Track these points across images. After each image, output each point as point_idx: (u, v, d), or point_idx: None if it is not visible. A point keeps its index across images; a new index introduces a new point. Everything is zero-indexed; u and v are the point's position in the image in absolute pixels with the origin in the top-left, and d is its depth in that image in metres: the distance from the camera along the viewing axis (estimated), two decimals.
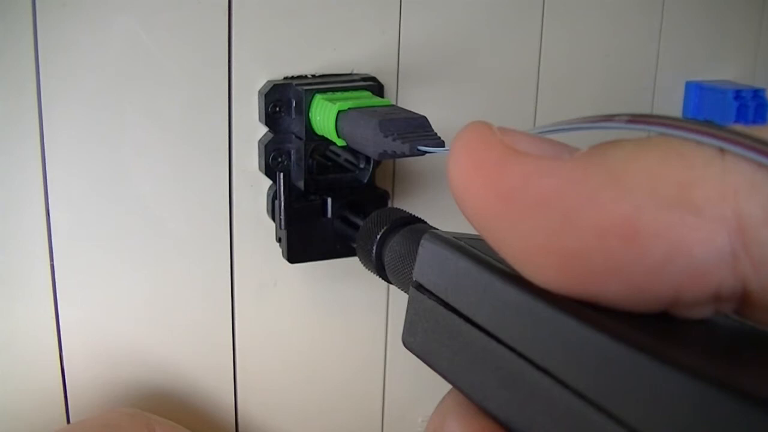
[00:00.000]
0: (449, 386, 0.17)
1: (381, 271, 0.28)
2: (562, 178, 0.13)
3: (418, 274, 0.17)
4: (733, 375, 0.12)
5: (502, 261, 0.15)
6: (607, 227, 0.13)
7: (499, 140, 0.14)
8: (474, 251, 0.16)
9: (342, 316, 0.42)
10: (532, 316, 0.14)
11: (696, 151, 0.13)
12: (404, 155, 0.29)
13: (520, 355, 0.14)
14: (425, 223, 0.28)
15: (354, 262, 0.34)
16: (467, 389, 0.15)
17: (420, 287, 0.17)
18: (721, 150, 0.13)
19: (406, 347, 0.18)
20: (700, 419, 0.11)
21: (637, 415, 0.12)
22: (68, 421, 0.37)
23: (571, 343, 0.13)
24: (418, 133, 0.30)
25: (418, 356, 0.17)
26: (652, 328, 0.13)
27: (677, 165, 0.13)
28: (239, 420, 0.41)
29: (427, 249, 0.17)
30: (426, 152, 0.28)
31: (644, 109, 0.47)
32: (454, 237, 0.17)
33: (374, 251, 0.28)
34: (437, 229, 0.26)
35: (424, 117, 0.30)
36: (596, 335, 0.13)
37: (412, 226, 0.27)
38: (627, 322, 0.13)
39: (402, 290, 0.26)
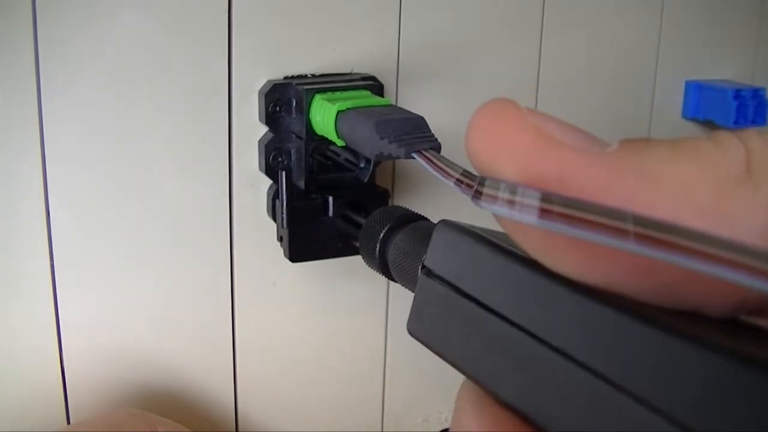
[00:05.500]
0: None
1: (384, 268, 0.28)
2: (600, 176, 0.13)
3: (429, 260, 0.17)
4: (752, 349, 0.12)
5: (517, 248, 0.15)
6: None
7: (530, 124, 0.14)
8: (489, 238, 0.16)
9: (342, 315, 0.42)
10: (549, 299, 0.14)
11: (725, 163, 0.13)
12: (399, 158, 0.29)
13: (536, 337, 0.14)
14: (427, 220, 0.28)
15: (354, 261, 0.34)
16: (478, 376, 0.15)
17: (430, 273, 0.17)
18: (749, 165, 0.13)
19: (411, 335, 0.18)
20: (718, 393, 0.11)
21: (661, 395, 0.12)
22: (68, 421, 0.37)
23: (590, 324, 0.13)
24: (414, 134, 0.29)
25: (424, 344, 0.17)
26: (674, 312, 0.13)
27: (711, 176, 0.13)
28: (239, 419, 0.41)
29: (441, 235, 0.17)
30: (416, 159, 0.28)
31: (644, 110, 0.47)
32: (469, 226, 0.17)
33: (377, 249, 0.28)
34: None
35: (422, 117, 0.30)
36: (617, 316, 0.13)
37: (415, 223, 0.27)
38: (648, 305, 0.13)
39: (406, 287, 0.26)
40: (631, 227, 0.12)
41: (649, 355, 0.12)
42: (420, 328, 0.17)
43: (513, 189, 0.13)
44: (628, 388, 0.12)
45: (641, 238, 0.12)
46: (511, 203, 0.13)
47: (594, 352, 0.13)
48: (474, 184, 0.15)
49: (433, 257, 0.17)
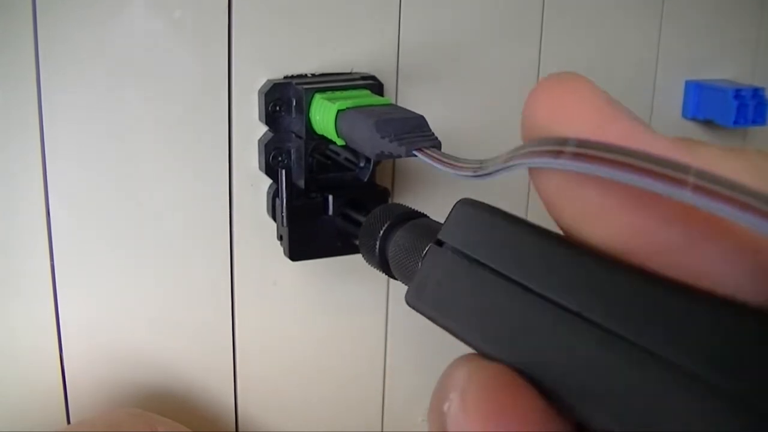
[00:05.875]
0: None
1: (384, 266, 0.28)
2: (660, 150, 0.13)
3: (444, 233, 0.17)
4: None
5: (537, 226, 0.15)
6: (692, 210, 0.13)
7: (601, 93, 0.14)
8: (511, 214, 0.16)
9: (342, 315, 0.42)
10: (572, 268, 0.14)
11: None
12: (399, 156, 0.29)
13: (556, 303, 0.14)
14: (427, 217, 0.28)
15: (354, 261, 0.34)
16: (484, 341, 0.15)
17: (443, 244, 0.17)
18: None
19: (409, 305, 0.18)
20: (727, 344, 0.12)
21: (683, 353, 0.12)
22: (68, 421, 0.37)
23: (608, 288, 0.13)
24: (415, 133, 0.29)
25: (424, 313, 0.17)
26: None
27: (759, 176, 0.13)
28: (239, 419, 0.41)
29: (461, 210, 0.17)
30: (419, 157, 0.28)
31: (644, 110, 0.47)
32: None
33: (377, 246, 0.28)
34: (440, 223, 0.26)
35: (422, 117, 0.30)
36: (639, 281, 0.13)
37: (415, 220, 0.27)
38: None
39: (406, 284, 0.26)
40: (691, 179, 0.12)
41: (672, 317, 0.13)
42: (421, 296, 0.17)
43: (575, 142, 0.14)
44: (650, 348, 0.13)
45: (699, 189, 0.12)
46: (574, 156, 0.13)
47: (613, 314, 0.13)
48: (479, 168, 0.14)
49: (448, 230, 0.17)
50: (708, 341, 0.12)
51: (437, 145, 0.28)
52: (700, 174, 0.12)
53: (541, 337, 0.14)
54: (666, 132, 0.14)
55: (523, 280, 0.15)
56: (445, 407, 0.14)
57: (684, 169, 0.12)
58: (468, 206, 0.17)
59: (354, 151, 0.36)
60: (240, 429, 0.41)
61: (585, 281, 0.14)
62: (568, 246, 0.14)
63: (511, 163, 0.15)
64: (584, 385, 0.13)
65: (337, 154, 0.37)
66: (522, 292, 0.15)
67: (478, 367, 0.14)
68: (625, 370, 0.13)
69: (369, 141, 0.30)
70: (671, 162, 0.12)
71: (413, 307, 0.18)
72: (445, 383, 0.15)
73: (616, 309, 0.13)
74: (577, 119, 0.14)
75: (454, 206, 0.18)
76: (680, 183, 0.12)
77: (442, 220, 0.25)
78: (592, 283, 0.14)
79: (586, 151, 0.13)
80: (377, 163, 0.37)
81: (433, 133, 0.30)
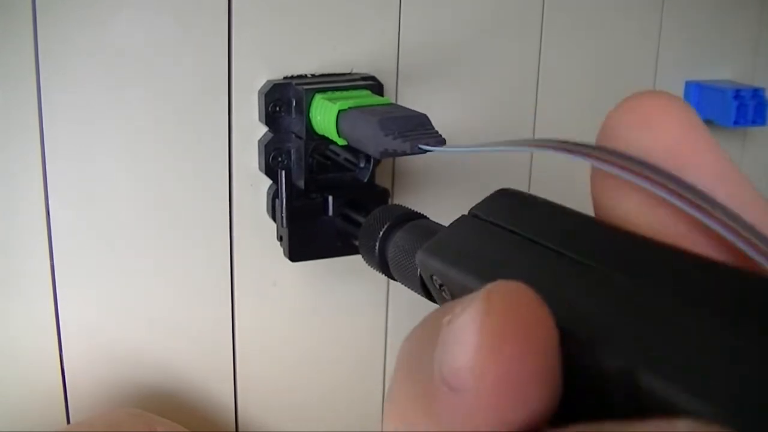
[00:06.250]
0: None
1: (384, 267, 0.28)
2: (722, 167, 0.14)
3: (477, 208, 0.18)
4: None
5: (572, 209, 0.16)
6: None
7: (694, 113, 0.15)
8: (547, 200, 0.17)
9: (342, 315, 0.42)
10: (607, 237, 0.15)
11: None
12: (405, 154, 0.29)
13: (586, 264, 0.14)
14: (427, 218, 0.28)
15: (353, 261, 0.34)
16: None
17: (474, 216, 0.18)
18: None
19: (417, 261, 0.18)
20: (741, 302, 0.12)
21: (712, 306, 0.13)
22: (68, 421, 0.37)
23: (640, 255, 0.14)
24: (418, 131, 0.30)
25: (433, 267, 0.18)
26: None
27: None
28: (239, 419, 0.41)
29: (497, 193, 0.18)
30: (427, 151, 0.28)
31: None
32: None
33: (377, 247, 0.28)
34: (440, 224, 0.26)
35: (425, 115, 0.30)
36: (668, 249, 0.14)
37: (415, 221, 0.27)
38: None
39: (406, 285, 0.26)
40: (718, 214, 0.13)
41: (703, 279, 0.13)
42: (437, 251, 0.18)
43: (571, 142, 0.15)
44: (678, 303, 0.13)
45: (723, 224, 0.13)
46: (563, 149, 0.15)
47: (642, 274, 0.14)
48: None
49: (481, 207, 0.18)
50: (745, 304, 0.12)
51: (441, 142, 0.29)
52: (726, 212, 0.13)
53: (566, 287, 0.14)
54: None
55: (553, 246, 0.15)
56: (446, 320, 0.13)
57: (674, 178, 0.13)
58: (505, 190, 0.18)
59: (354, 152, 0.36)
60: (240, 429, 0.41)
61: (619, 248, 0.14)
62: (605, 224, 0.15)
63: (505, 146, 0.16)
64: (603, 325, 0.13)
65: (337, 154, 0.37)
66: (551, 254, 0.15)
67: (501, 281, 0.13)
68: (653, 314, 0.13)
69: (373, 139, 0.30)
70: (706, 196, 0.13)
71: (422, 262, 0.18)
72: (448, 306, 0.14)
73: (645, 270, 0.14)
74: (665, 131, 0.14)
75: (493, 193, 0.18)
76: (707, 215, 0.13)
77: (442, 221, 0.25)
78: (625, 248, 0.14)
79: (573, 147, 0.14)
80: (377, 163, 0.37)
81: (436, 131, 0.30)
